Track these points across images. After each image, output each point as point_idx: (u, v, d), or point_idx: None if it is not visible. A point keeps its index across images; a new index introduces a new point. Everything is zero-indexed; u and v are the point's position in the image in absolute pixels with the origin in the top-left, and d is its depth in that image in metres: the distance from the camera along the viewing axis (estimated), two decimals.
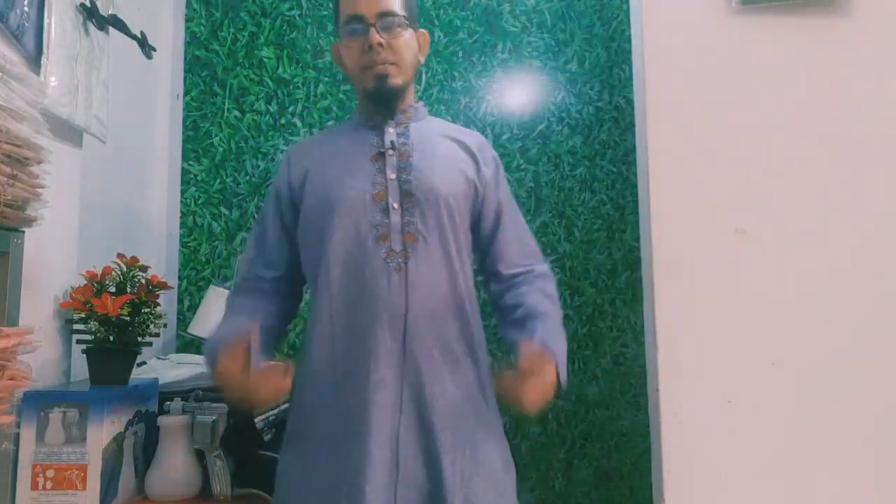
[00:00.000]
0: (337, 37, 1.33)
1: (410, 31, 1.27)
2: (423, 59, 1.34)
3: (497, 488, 1.19)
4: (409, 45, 1.27)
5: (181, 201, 2.11)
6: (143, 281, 1.36)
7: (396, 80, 1.25)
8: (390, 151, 1.25)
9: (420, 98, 2.12)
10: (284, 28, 2.16)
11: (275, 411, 1.57)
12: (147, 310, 1.34)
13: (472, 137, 1.35)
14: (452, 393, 1.19)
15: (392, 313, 1.17)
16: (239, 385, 1.07)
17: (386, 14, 1.23)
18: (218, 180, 2.12)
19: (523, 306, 1.25)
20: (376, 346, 1.16)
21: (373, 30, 1.22)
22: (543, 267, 1.33)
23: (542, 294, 1.27)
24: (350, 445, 1.15)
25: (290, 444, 1.23)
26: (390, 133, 1.28)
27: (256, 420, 1.44)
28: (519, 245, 1.32)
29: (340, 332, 1.20)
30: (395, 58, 1.24)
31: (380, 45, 1.22)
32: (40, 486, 1.13)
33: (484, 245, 1.32)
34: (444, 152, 1.28)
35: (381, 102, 1.28)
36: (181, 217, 2.10)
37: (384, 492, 1.11)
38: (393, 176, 1.24)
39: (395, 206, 1.22)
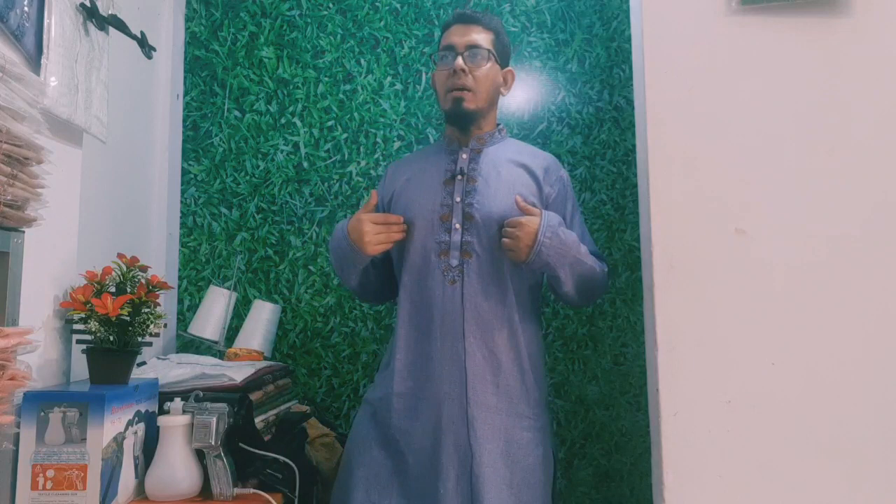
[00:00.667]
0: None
1: (495, 65, 1.48)
2: (506, 93, 1.55)
3: (528, 478, 1.36)
4: (491, 76, 1.47)
5: (181, 201, 2.11)
6: (143, 281, 1.36)
7: (470, 104, 1.45)
8: (459, 177, 1.46)
9: (421, 98, 2.13)
10: (284, 28, 2.16)
11: (274, 412, 1.58)
12: (147, 310, 1.34)
13: (540, 161, 1.51)
14: (492, 392, 1.38)
15: (447, 319, 1.39)
16: (365, 221, 1.39)
17: (473, 46, 1.45)
18: (218, 180, 2.12)
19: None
20: (431, 345, 1.40)
21: (459, 57, 1.44)
22: (603, 265, 1.48)
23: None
24: (406, 425, 1.40)
25: (366, 405, 1.50)
26: (463, 159, 1.48)
27: (256, 420, 1.44)
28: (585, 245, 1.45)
29: (410, 330, 1.44)
30: (473, 84, 1.44)
31: (462, 70, 1.43)
32: (40, 486, 1.14)
33: None
34: (507, 177, 1.45)
35: (456, 123, 1.49)
36: (181, 217, 2.11)
37: (451, 460, 1.35)
38: (458, 199, 1.44)
39: (457, 226, 1.42)
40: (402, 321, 1.45)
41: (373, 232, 1.40)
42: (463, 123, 1.48)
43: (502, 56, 1.51)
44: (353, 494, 1.40)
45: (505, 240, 1.36)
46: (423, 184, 1.47)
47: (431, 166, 1.50)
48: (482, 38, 1.46)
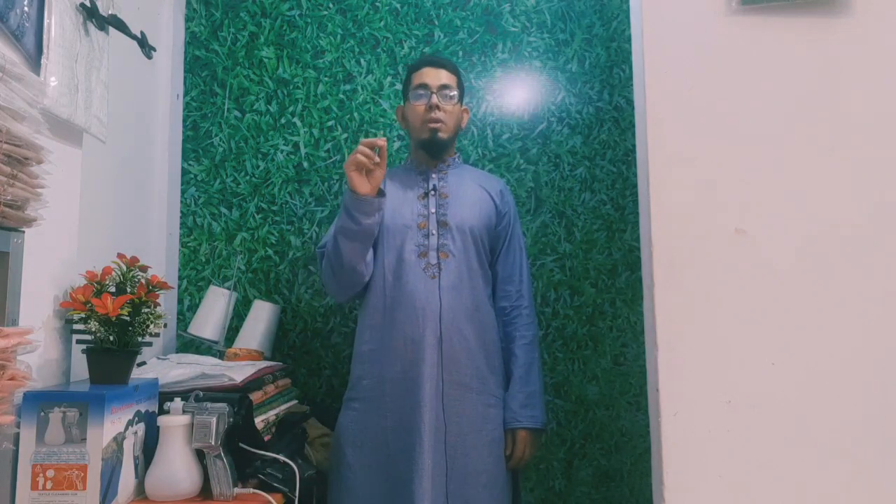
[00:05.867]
0: (403, 101, 1.83)
1: (459, 104, 1.77)
2: (463, 127, 1.83)
3: (495, 449, 1.64)
4: (456, 112, 1.76)
5: (181, 201, 2.11)
6: (143, 281, 1.36)
7: (444, 134, 1.73)
8: (432, 192, 1.74)
9: None
10: (284, 28, 2.16)
11: (274, 412, 1.58)
12: (147, 310, 1.34)
13: (495, 185, 1.82)
14: (463, 371, 1.63)
15: (428, 310, 1.62)
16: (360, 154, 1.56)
17: (444, 86, 1.73)
18: (218, 180, 2.12)
19: (511, 358, 1.73)
20: (417, 331, 1.61)
21: (434, 95, 1.71)
22: (529, 307, 1.77)
23: (522, 344, 1.73)
24: (401, 404, 1.60)
25: (348, 406, 1.69)
26: (433, 178, 1.76)
27: (256, 420, 1.44)
28: (512, 283, 1.77)
29: (389, 321, 1.65)
30: (446, 118, 1.72)
31: (437, 106, 1.70)
32: (40, 486, 1.14)
33: (493, 265, 1.78)
34: (472, 194, 1.76)
35: (430, 150, 1.75)
36: (181, 217, 2.11)
37: (429, 433, 1.57)
38: (433, 210, 1.72)
39: (434, 232, 1.70)
40: (386, 316, 1.66)
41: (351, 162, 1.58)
42: (436, 150, 1.75)
43: (461, 95, 1.79)
44: (346, 490, 1.62)
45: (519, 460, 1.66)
46: (401, 199, 1.73)
47: (405, 185, 1.76)
48: (450, 80, 1.74)
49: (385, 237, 1.69)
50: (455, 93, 1.74)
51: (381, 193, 1.63)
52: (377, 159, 1.58)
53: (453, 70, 1.77)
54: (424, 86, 1.72)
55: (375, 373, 1.64)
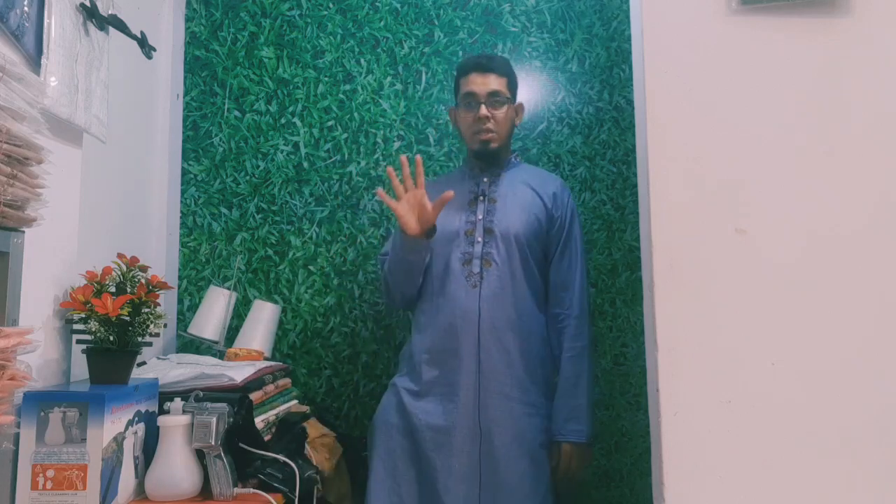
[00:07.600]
0: (455, 103, 1.78)
1: (510, 105, 1.72)
2: (518, 124, 1.80)
3: (536, 458, 1.63)
4: (508, 117, 1.72)
5: (181, 201, 2.11)
6: (143, 281, 1.36)
7: (495, 144, 1.71)
8: (481, 198, 1.72)
9: (421, 98, 2.13)
10: (284, 28, 2.16)
11: (274, 412, 1.58)
12: (147, 310, 1.33)
13: (549, 186, 1.75)
14: (505, 382, 1.63)
15: (468, 318, 1.63)
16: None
17: (493, 94, 1.68)
18: (218, 180, 2.12)
19: (559, 366, 1.70)
20: (453, 341, 1.64)
21: (483, 106, 1.67)
22: (578, 316, 1.70)
23: (569, 356, 1.68)
24: (436, 408, 1.63)
25: (392, 388, 1.73)
26: (485, 182, 1.75)
27: (256, 420, 1.44)
28: (565, 290, 1.71)
29: (433, 328, 1.68)
30: (496, 128, 1.69)
31: (486, 117, 1.67)
32: (40, 486, 1.14)
33: (547, 270, 1.73)
34: (522, 198, 1.72)
35: (482, 160, 1.75)
36: (181, 217, 2.11)
37: (460, 440, 1.60)
38: (480, 217, 1.71)
39: (479, 239, 1.69)
40: (432, 320, 1.68)
41: (401, 212, 1.60)
42: (490, 160, 1.74)
43: (514, 95, 1.74)
44: (375, 478, 1.65)
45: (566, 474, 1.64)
46: (452, 205, 1.67)
47: (458, 191, 1.70)
48: (499, 84, 1.69)
49: (435, 245, 1.69)
50: (506, 97, 1.69)
51: (431, 232, 1.63)
52: (410, 182, 1.61)
53: (503, 71, 1.71)
54: (472, 94, 1.68)
55: (417, 374, 1.68)
